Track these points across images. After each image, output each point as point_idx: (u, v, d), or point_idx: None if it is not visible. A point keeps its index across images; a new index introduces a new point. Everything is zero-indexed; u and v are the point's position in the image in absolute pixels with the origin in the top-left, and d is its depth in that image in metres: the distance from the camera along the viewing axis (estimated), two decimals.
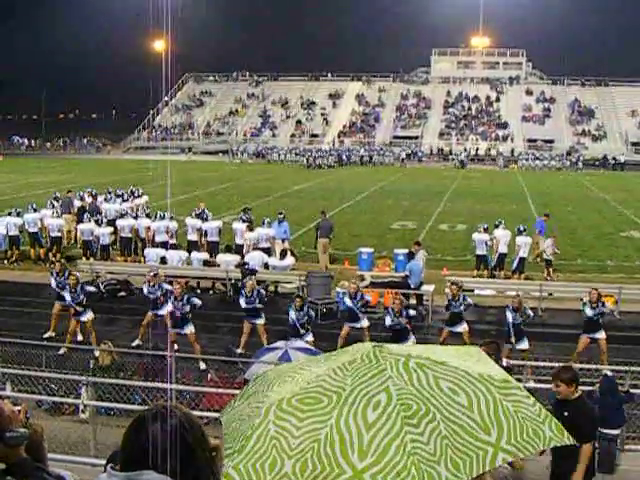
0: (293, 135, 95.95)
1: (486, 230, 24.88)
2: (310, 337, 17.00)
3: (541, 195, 49.75)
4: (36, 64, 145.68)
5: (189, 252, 24.84)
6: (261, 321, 18.10)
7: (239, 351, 17.71)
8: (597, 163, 79.04)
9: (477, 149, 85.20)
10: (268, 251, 24.85)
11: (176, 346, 17.43)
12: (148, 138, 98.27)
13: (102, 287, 22.68)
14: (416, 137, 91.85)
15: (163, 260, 24.18)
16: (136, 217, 27.66)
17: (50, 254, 26.80)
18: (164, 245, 25.50)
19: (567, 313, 20.54)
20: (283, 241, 26.61)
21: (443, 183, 57.52)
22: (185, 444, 2.78)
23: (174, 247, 25.59)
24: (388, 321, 16.67)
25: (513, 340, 16.25)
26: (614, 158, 78.70)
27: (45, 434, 5.10)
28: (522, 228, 24.75)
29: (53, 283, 18.99)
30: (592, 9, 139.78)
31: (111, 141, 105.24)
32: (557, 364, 14.47)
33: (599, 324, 16.86)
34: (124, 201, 31.70)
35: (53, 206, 29.22)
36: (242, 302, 18.19)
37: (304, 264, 25.96)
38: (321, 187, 55.39)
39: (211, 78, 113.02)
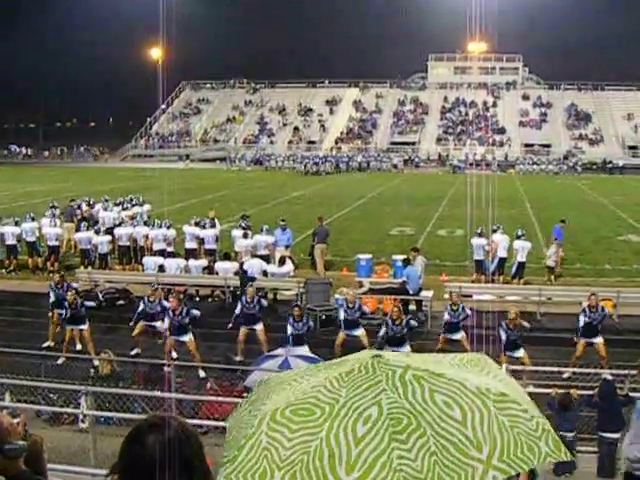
0: (290, 142, 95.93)
1: (483, 234, 24.83)
2: (306, 348, 16.89)
3: (539, 200, 49.81)
4: (33, 72, 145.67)
5: (187, 260, 24.84)
6: (260, 327, 18.08)
7: (238, 358, 17.71)
8: (594, 167, 79.16)
9: (475, 154, 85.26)
10: (267, 258, 24.84)
11: (175, 354, 17.42)
12: (145, 146, 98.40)
13: (101, 296, 22.65)
14: (413, 143, 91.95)
15: (161, 268, 24.16)
16: (134, 225, 27.61)
17: (48, 263, 26.80)
18: (162, 253, 25.49)
19: (566, 317, 20.52)
20: (286, 248, 26.65)
21: (441, 188, 57.53)
22: (181, 456, 2.76)
23: (172, 255, 25.58)
24: (382, 332, 16.69)
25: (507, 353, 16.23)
26: (610, 162, 78.78)
27: (45, 444, 5.10)
28: (520, 233, 24.78)
29: (52, 295, 18.94)
30: (588, 14, 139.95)
31: (108, 149, 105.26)
32: (556, 369, 14.54)
33: (597, 329, 16.88)
34: (124, 209, 31.68)
35: (54, 215, 29.17)
36: (237, 309, 18.21)
37: (303, 271, 25.98)
38: (319, 194, 55.39)
39: (208, 85, 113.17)
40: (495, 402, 3.60)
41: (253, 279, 21.64)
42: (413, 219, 40.09)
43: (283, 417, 3.59)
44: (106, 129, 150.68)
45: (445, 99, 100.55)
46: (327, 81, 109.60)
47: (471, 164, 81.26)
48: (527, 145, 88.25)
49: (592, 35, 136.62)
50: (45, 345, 18.51)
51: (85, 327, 17.99)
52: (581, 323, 16.84)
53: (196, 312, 17.69)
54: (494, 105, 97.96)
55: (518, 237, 24.54)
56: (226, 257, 24.59)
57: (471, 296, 21.96)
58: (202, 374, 16.52)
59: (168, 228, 26.34)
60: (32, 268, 26.99)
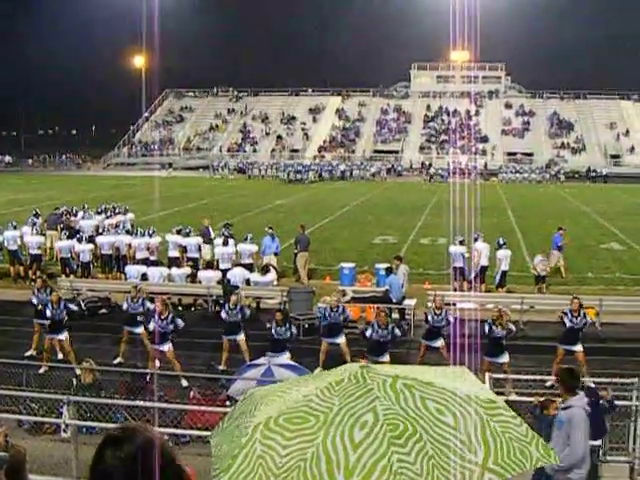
0: (273, 150, 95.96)
1: (462, 242, 24.83)
2: (287, 355, 16.86)
3: (521, 208, 50.02)
4: (15, 80, 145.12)
5: (170, 268, 24.78)
6: (242, 337, 18.04)
7: (221, 368, 17.67)
8: (576, 175, 79.56)
9: (460, 162, 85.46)
10: (251, 267, 24.81)
11: (158, 363, 17.37)
12: (128, 154, 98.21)
13: (83, 305, 22.55)
14: (397, 151, 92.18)
15: (144, 277, 24.09)
16: (117, 233, 27.49)
17: (30, 272, 26.66)
18: (145, 262, 25.40)
19: (548, 325, 20.59)
20: (275, 255, 26.66)
21: (424, 197, 57.68)
22: (147, 468, 2.74)
23: (155, 264, 25.50)
24: (368, 333, 16.64)
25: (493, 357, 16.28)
26: (594, 170, 79.17)
27: (27, 455, 5.07)
28: (502, 241, 24.81)
29: (34, 300, 18.87)
30: (570, 23, 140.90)
31: (91, 157, 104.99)
32: (538, 377, 14.56)
33: (577, 336, 16.90)
34: (107, 217, 31.57)
35: (34, 224, 29.01)
36: (223, 314, 18.20)
37: (286, 280, 25.98)
38: (302, 202, 55.41)
39: (191, 94, 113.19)
40: (485, 409, 3.65)
41: (236, 288, 21.61)
42: (396, 228, 40.15)
43: (277, 425, 3.61)
44: (89, 137, 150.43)
45: (428, 108, 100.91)
46: (310, 89, 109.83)
47: (454, 173, 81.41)
48: (510, 154, 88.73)
49: (574, 44, 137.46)
50: (28, 354, 18.40)
51: (64, 337, 17.87)
52: (568, 324, 16.85)
53: (180, 322, 17.60)
54: (477, 114, 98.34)
55: (500, 246, 24.58)
56: (209, 266, 24.54)
57: (454, 304, 21.98)
58: (185, 383, 16.47)
59: (151, 236, 26.27)
60: (14, 277, 26.84)
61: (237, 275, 23.24)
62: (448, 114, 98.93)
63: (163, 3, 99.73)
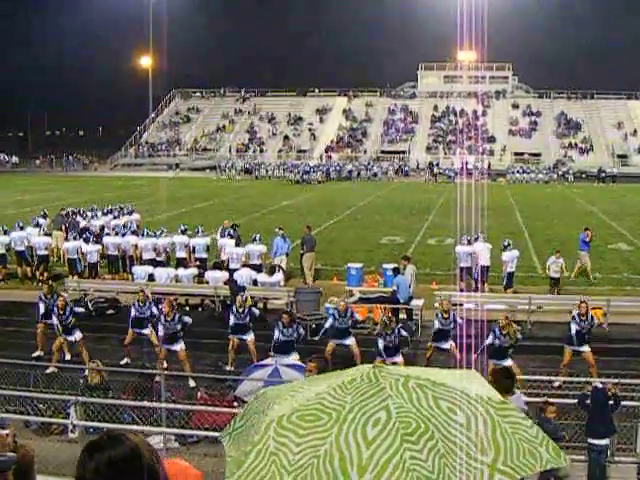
0: (280, 151, 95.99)
1: (469, 242, 24.80)
2: (295, 356, 16.79)
3: (529, 208, 49.93)
4: (22, 81, 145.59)
5: (177, 269, 24.76)
6: (251, 337, 18.02)
7: (228, 368, 17.67)
8: (584, 176, 79.38)
9: (467, 162, 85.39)
10: (259, 268, 24.78)
11: (165, 364, 17.35)
12: (135, 155, 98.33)
13: (90, 305, 22.57)
14: (404, 152, 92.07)
15: (151, 277, 24.08)
16: (124, 234, 27.49)
17: (37, 272, 26.70)
18: (152, 262, 25.40)
19: (556, 326, 20.52)
20: (287, 256, 26.75)
21: (431, 197, 57.62)
22: (126, 476, 2.72)
23: (162, 264, 25.49)
24: (381, 345, 16.58)
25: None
26: (604, 171, 78.83)
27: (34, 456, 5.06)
28: (507, 243, 24.69)
29: (42, 307, 18.75)
30: (577, 23, 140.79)
31: (98, 158, 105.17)
32: (546, 377, 14.53)
33: (585, 338, 16.81)
34: (115, 218, 31.62)
35: (39, 225, 29.02)
36: (231, 318, 18.14)
37: (294, 280, 25.97)
38: (309, 202, 55.44)
39: (198, 94, 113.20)
40: (497, 410, 3.66)
41: (243, 288, 21.59)
42: (403, 228, 40.11)
43: (290, 423, 3.63)
44: (96, 138, 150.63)
45: (435, 108, 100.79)
46: (317, 90, 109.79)
47: (461, 173, 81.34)
48: (517, 154, 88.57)
49: (581, 44, 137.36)
50: (35, 355, 18.40)
51: (78, 337, 17.89)
52: (573, 331, 16.76)
53: (188, 319, 17.64)
54: (484, 114, 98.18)
55: (505, 247, 24.46)
56: (216, 266, 24.53)
57: (461, 305, 21.91)
58: (192, 384, 16.47)
59: (158, 237, 26.28)
60: (21, 277, 26.88)
61: (243, 276, 23.21)
62: (455, 114, 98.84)
63: (170, 4, 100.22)
